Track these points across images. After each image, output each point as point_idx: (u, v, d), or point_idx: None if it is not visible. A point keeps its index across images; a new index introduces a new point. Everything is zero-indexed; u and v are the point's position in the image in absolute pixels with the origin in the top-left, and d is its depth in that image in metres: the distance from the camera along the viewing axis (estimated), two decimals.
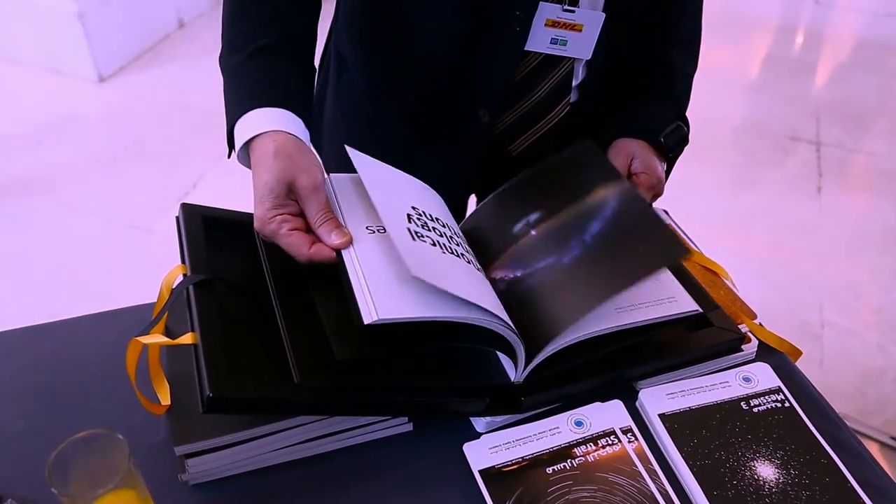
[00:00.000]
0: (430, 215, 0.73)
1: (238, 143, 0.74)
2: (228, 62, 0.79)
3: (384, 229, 0.69)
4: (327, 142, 1.03)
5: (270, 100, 0.74)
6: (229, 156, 0.80)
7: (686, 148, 0.94)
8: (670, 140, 0.91)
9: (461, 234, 0.78)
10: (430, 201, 0.78)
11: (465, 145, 0.92)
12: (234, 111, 0.75)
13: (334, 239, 0.67)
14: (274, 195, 0.68)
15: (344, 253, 0.66)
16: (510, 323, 0.66)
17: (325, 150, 1.04)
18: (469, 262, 0.71)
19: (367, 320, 0.59)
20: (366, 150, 0.99)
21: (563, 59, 0.87)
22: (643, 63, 0.95)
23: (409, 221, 0.69)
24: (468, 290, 0.64)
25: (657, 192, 0.92)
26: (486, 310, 0.64)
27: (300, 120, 0.76)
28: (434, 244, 0.68)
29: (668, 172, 0.94)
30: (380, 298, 0.60)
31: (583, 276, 0.69)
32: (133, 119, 2.77)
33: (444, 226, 0.73)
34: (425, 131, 0.93)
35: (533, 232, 0.76)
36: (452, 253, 0.69)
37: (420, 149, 0.94)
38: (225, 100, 0.78)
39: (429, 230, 0.70)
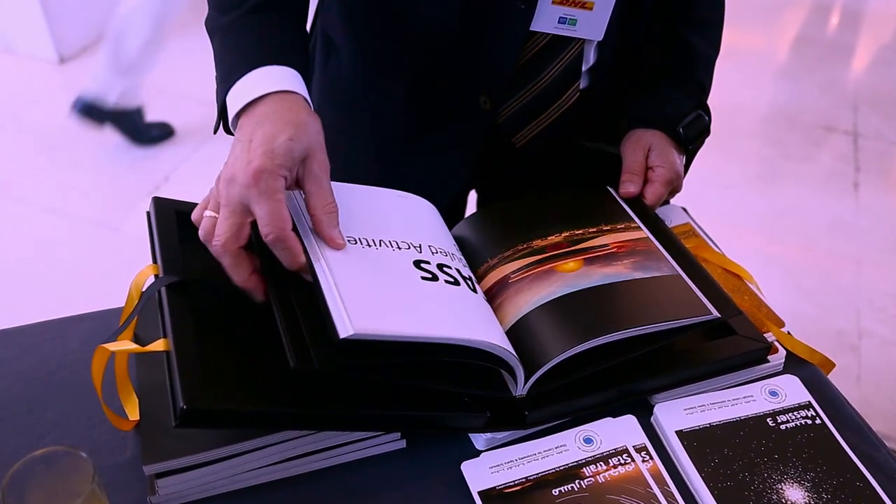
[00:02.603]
0: (394, 242, 0.73)
1: (239, 104, 0.71)
2: (219, 22, 0.78)
3: (356, 239, 0.70)
4: None
5: (277, 58, 0.72)
6: (218, 127, 0.79)
7: (708, 139, 0.95)
8: (690, 131, 0.92)
9: (453, 244, 0.80)
10: (407, 219, 0.78)
11: (464, 135, 0.93)
12: (233, 71, 0.73)
13: (336, 236, 0.67)
14: (289, 154, 0.65)
15: (314, 261, 0.66)
16: (501, 342, 0.67)
17: None
18: (457, 282, 0.72)
19: (342, 334, 0.59)
20: (355, 140, 0.99)
21: (573, 40, 0.87)
22: (660, 46, 0.96)
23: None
24: (442, 321, 0.65)
25: (675, 188, 0.93)
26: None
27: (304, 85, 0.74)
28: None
29: (687, 166, 0.95)
30: (356, 311, 0.60)
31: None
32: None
33: (413, 247, 0.74)
34: (419, 120, 0.93)
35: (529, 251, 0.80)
36: (432, 277, 0.71)
37: (414, 139, 0.95)
38: (217, 62, 0.77)
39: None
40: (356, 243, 0.70)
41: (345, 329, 0.59)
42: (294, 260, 0.65)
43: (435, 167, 0.92)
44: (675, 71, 0.95)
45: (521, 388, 0.70)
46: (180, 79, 2.91)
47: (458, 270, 0.75)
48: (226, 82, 0.73)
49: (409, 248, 0.73)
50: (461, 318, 0.68)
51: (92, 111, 2.47)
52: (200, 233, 0.69)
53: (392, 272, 0.69)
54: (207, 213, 0.68)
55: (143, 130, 2.57)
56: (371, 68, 0.93)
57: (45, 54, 2.93)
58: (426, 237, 0.77)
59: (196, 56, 3.03)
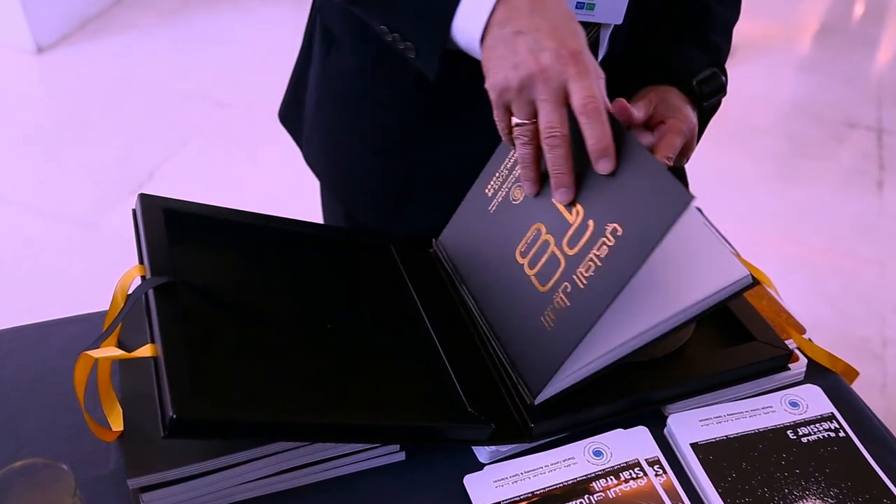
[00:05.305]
0: None
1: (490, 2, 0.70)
2: None
3: None
4: (311, 130, 1.02)
5: None
6: (437, 66, 0.76)
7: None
8: (705, 86, 0.88)
9: None
10: None
11: (479, 126, 0.92)
12: None
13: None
14: (585, 38, 0.68)
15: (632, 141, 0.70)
16: None
17: (308, 141, 1.04)
18: None
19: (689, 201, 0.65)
20: (359, 137, 0.98)
21: (590, 26, 0.86)
22: (675, 9, 0.94)
23: None
24: None
25: (689, 145, 0.88)
26: None
27: None
28: None
29: (700, 132, 0.90)
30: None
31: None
32: (78, 97, 2.77)
33: None
34: (428, 111, 0.93)
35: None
36: None
37: (422, 133, 0.94)
38: None
39: None
40: None
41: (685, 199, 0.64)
42: (605, 136, 0.67)
43: (445, 163, 0.91)
44: (691, 31, 0.92)
45: (546, 392, 0.70)
46: (164, 70, 2.91)
47: None
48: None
49: None
50: None
51: None
52: (523, 141, 0.72)
53: None
54: (516, 120, 0.71)
55: None
56: (375, 58, 0.92)
57: (22, 44, 2.92)
58: None
59: (181, 46, 3.04)
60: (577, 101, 0.66)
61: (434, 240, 0.90)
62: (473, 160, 0.95)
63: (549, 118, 0.68)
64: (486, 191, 0.84)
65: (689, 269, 0.74)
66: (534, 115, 0.70)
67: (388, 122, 0.95)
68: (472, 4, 0.71)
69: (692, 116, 0.86)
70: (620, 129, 0.70)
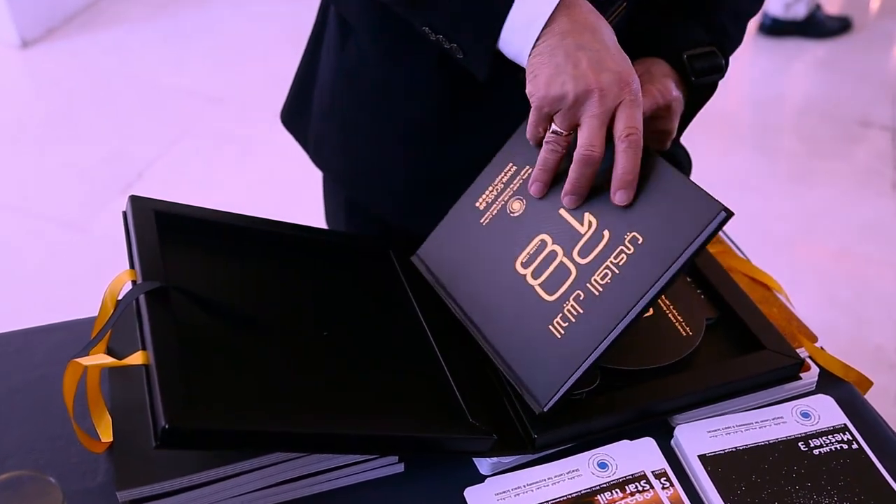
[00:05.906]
0: None
1: (545, 15, 0.72)
2: None
3: None
4: (324, 128, 1.01)
5: None
6: (487, 67, 0.78)
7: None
8: (698, 62, 0.85)
9: None
10: None
11: (507, 111, 0.91)
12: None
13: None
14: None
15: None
16: None
17: (319, 140, 1.03)
18: None
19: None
20: (379, 129, 0.97)
21: (616, 2, 0.84)
22: None
23: None
24: None
25: (667, 114, 0.85)
26: None
27: None
28: None
29: (688, 117, 0.89)
30: None
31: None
32: (64, 93, 2.78)
33: None
34: (452, 97, 0.91)
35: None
36: None
37: (447, 121, 0.93)
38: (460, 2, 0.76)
39: None
40: None
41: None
42: (635, 168, 0.71)
43: (473, 151, 0.89)
44: (699, 10, 0.90)
45: (557, 393, 0.70)
46: (154, 65, 2.92)
47: None
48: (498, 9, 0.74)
49: None
50: None
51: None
52: (553, 148, 0.75)
53: None
54: (554, 128, 0.73)
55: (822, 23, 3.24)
56: (394, 44, 0.90)
57: (6, 38, 2.93)
58: None
59: (171, 40, 3.05)
60: (621, 127, 0.70)
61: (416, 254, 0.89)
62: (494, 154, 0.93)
63: (592, 136, 0.71)
64: (478, 204, 0.84)
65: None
66: (573, 128, 0.73)
67: (411, 110, 0.93)
68: (527, 14, 0.73)
69: (673, 90, 0.84)
70: (646, 150, 0.73)
